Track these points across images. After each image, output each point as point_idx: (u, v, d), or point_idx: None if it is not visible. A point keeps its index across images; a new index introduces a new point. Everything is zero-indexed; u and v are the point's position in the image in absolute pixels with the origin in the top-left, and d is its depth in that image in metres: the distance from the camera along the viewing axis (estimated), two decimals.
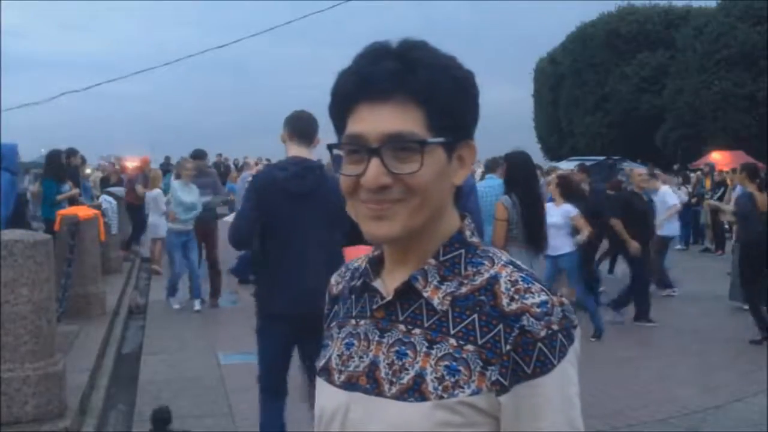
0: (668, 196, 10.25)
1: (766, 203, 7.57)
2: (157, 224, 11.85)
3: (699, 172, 18.95)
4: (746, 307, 9.22)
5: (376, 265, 1.09)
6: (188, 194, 8.65)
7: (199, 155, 9.68)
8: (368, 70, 0.98)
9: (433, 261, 1.02)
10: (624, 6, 36.47)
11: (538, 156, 36.29)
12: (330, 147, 1.06)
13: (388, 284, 1.05)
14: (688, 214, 15.04)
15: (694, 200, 15.78)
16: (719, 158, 23.12)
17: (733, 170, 15.29)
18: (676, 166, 22.62)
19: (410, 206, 0.98)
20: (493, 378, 0.94)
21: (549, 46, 41.60)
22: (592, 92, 35.28)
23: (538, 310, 0.95)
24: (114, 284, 9.66)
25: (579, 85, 36.16)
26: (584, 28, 37.18)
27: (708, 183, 17.18)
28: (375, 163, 0.96)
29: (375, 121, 0.97)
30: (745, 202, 7.86)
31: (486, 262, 1.02)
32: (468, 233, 1.06)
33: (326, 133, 1.14)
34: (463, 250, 1.03)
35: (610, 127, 34.22)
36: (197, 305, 8.74)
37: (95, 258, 8.19)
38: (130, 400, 5.60)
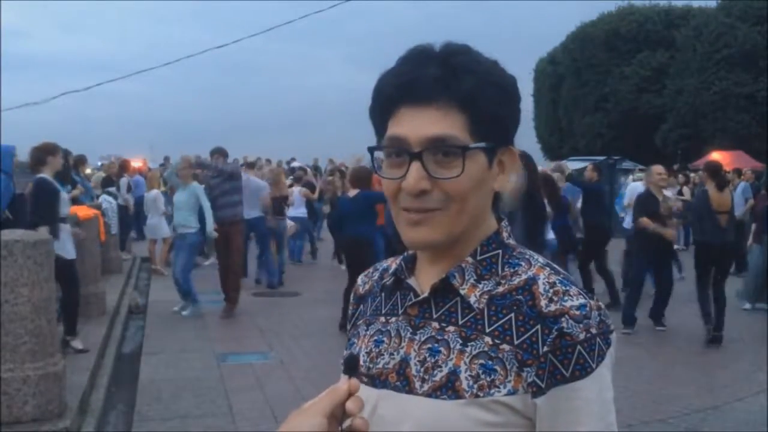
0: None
1: (720, 202, 7.58)
2: (156, 225, 11.87)
3: (700, 172, 18.90)
4: (747, 306, 9.28)
5: (410, 263, 1.10)
6: (180, 194, 8.55)
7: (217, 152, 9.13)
8: (412, 74, 0.98)
9: (470, 259, 1.02)
10: (624, 6, 36.45)
11: (538, 156, 36.33)
12: (371, 149, 1.05)
13: (422, 283, 1.05)
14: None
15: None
16: (719, 158, 23.10)
17: (735, 170, 15.29)
18: (676, 166, 22.62)
19: (449, 214, 0.98)
20: (530, 379, 0.94)
21: (549, 46, 41.67)
22: (592, 92, 35.27)
23: (578, 312, 0.94)
24: (114, 284, 9.67)
25: (579, 85, 36.14)
26: (584, 28, 37.15)
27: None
28: (416, 167, 0.96)
29: (417, 124, 0.97)
30: (699, 200, 7.96)
31: (523, 264, 1.02)
32: (505, 235, 1.06)
33: (365, 135, 1.13)
34: (500, 251, 1.04)
35: (610, 127, 34.21)
36: (187, 311, 8.55)
37: (95, 258, 8.20)
38: (130, 400, 5.60)
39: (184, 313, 8.59)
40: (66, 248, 6.40)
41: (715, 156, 23.96)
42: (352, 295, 1.23)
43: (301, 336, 7.64)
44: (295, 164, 21.96)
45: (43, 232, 6.15)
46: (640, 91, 33.37)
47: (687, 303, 9.29)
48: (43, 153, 6.44)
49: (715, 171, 7.91)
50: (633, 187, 10.99)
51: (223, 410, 5.26)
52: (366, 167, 8.08)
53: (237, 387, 5.79)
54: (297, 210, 12.60)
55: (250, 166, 12.11)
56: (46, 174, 6.41)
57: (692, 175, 18.82)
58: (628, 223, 10.08)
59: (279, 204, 11.11)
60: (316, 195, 13.07)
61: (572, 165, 17.45)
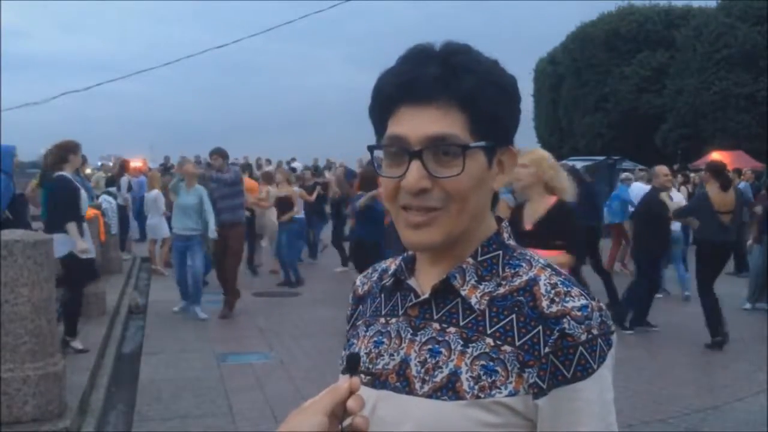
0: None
1: (723, 202, 7.48)
2: (156, 225, 11.87)
3: (702, 172, 18.91)
4: (747, 306, 9.28)
5: (410, 264, 1.09)
6: (185, 197, 8.46)
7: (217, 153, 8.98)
8: (412, 74, 0.98)
9: (470, 260, 1.02)
10: (624, 6, 36.45)
11: None
12: (371, 148, 1.05)
13: (422, 283, 1.05)
14: None
15: None
16: (719, 158, 23.07)
17: (735, 170, 15.30)
18: (676, 166, 22.62)
19: (449, 214, 0.98)
20: (531, 380, 0.93)
21: (549, 46, 41.66)
22: (592, 92, 35.26)
23: (579, 313, 0.94)
24: (114, 284, 9.67)
25: (579, 85, 36.14)
26: (584, 28, 37.15)
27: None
28: (416, 165, 0.96)
29: (417, 123, 0.97)
30: (699, 200, 7.89)
31: (524, 264, 1.02)
32: (505, 235, 1.06)
33: (364, 133, 1.13)
34: (500, 252, 1.03)
35: (610, 127, 34.21)
36: (199, 312, 8.48)
37: (95, 258, 8.19)
38: (130, 400, 5.59)
39: (202, 315, 8.44)
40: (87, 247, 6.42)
41: (715, 156, 23.98)
42: (350, 296, 1.22)
43: (301, 336, 7.64)
44: (295, 164, 21.99)
45: (72, 229, 6.19)
46: (640, 91, 33.36)
47: (687, 303, 9.31)
48: (64, 151, 6.43)
49: (718, 171, 7.85)
50: (637, 188, 11.13)
51: (223, 410, 5.26)
52: (372, 169, 8.12)
53: (237, 387, 5.79)
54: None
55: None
56: (66, 172, 6.41)
57: (692, 175, 18.81)
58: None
59: (284, 205, 11.04)
60: (313, 196, 12.95)
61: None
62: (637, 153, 27.54)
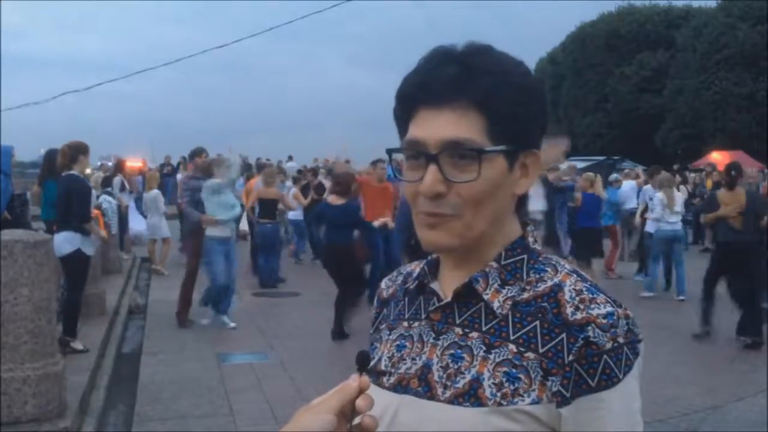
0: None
1: (732, 202, 7.44)
2: (156, 225, 11.86)
3: (702, 172, 18.98)
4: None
5: (433, 267, 1.08)
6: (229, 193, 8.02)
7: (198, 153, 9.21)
8: (430, 74, 0.97)
9: (494, 264, 1.01)
10: (624, 6, 36.45)
11: None
12: (389, 151, 1.04)
13: (445, 287, 1.04)
14: (688, 213, 15.03)
15: (696, 201, 15.78)
16: (719, 158, 23.12)
17: None
18: (676, 166, 22.62)
19: (464, 219, 0.96)
20: (554, 389, 0.92)
21: (549, 46, 41.66)
22: (592, 92, 35.26)
23: (604, 321, 0.92)
24: (114, 284, 9.67)
25: (579, 85, 36.14)
26: (584, 28, 37.16)
27: (709, 183, 17.22)
28: (432, 170, 0.95)
29: (434, 126, 0.95)
30: (707, 201, 7.97)
31: (549, 270, 1.00)
32: (531, 240, 1.05)
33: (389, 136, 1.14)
34: (525, 256, 1.02)
35: (610, 127, 34.21)
36: (229, 321, 8.06)
37: (95, 258, 8.19)
38: (130, 400, 5.60)
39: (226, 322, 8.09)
40: (88, 245, 6.44)
41: (715, 156, 24.02)
42: (375, 299, 1.22)
43: (301, 336, 7.64)
44: (290, 164, 22.01)
45: (93, 225, 6.24)
46: (640, 91, 33.34)
47: (688, 302, 9.30)
48: (75, 151, 6.46)
49: (726, 170, 7.82)
50: (645, 190, 11.29)
51: (223, 410, 5.26)
52: (349, 174, 8.18)
53: (237, 387, 5.79)
54: (294, 212, 12.51)
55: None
56: (75, 171, 6.44)
57: (692, 175, 18.82)
58: (651, 227, 10.07)
59: (269, 207, 10.70)
60: (308, 199, 12.74)
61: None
62: (637, 153, 27.53)
